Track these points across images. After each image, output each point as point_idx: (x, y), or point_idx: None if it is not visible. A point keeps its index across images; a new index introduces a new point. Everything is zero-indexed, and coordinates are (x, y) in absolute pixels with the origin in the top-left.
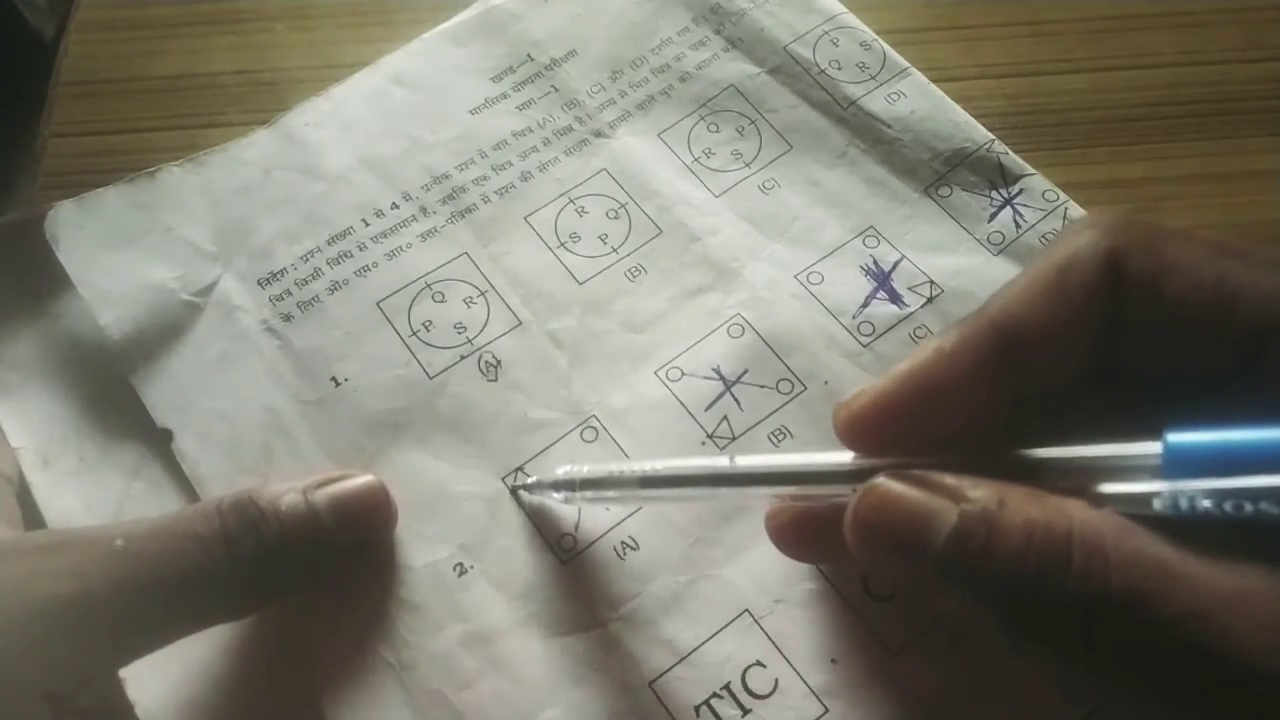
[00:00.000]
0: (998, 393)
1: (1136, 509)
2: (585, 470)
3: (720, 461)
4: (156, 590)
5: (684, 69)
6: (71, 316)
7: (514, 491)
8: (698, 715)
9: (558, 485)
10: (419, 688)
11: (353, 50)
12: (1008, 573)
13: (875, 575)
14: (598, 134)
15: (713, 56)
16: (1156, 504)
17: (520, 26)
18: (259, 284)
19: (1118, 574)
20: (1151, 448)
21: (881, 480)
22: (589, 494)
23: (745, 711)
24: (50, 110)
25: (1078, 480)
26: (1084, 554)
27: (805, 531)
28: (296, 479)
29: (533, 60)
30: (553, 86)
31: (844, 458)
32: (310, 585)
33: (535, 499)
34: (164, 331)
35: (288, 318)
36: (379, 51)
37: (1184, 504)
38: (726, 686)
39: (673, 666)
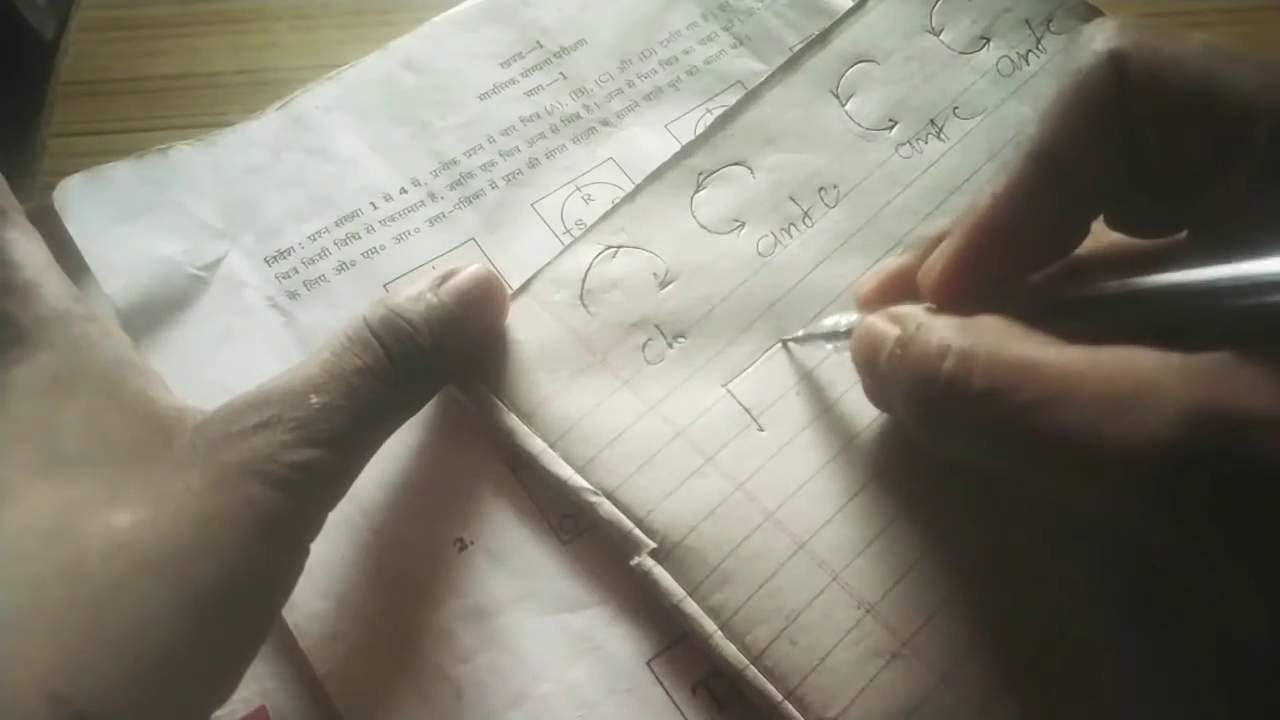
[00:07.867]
0: (1060, 223)
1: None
2: (850, 318)
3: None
4: (361, 426)
5: (692, 63)
6: (78, 286)
7: (785, 344)
8: (694, 694)
9: (829, 336)
10: (418, 660)
11: (353, 50)
12: (906, 379)
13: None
14: (605, 123)
15: (720, 52)
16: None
17: (530, 13)
18: (266, 261)
19: (981, 376)
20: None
21: (869, 317)
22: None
23: (740, 692)
24: (50, 110)
25: (1140, 309)
26: (956, 360)
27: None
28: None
29: (542, 47)
30: (561, 74)
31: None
32: (454, 374)
33: (806, 350)
34: (169, 303)
35: (293, 295)
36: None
37: None
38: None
39: (670, 646)
